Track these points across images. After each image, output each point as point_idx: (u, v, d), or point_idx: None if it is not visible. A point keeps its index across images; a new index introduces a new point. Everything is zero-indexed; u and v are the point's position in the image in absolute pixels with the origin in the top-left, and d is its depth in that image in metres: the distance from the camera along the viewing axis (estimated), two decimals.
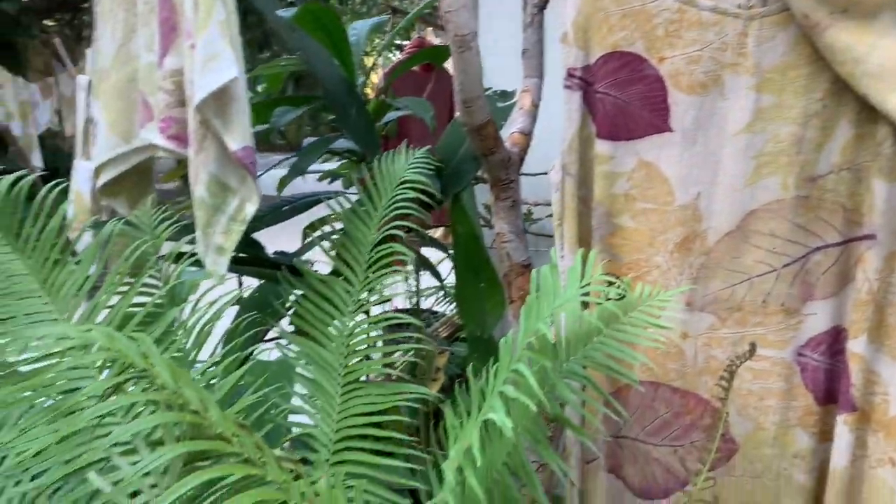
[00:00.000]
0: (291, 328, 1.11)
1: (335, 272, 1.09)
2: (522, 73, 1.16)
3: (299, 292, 1.10)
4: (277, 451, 0.90)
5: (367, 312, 1.10)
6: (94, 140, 1.44)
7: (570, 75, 0.91)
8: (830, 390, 0.88)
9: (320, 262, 1.22)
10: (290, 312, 1.13)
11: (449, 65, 2.81)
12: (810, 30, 0.76)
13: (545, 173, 1.51)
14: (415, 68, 2.52)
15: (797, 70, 0.80)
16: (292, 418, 1.04)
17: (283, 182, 1.47)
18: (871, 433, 0.85)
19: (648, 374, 0.94)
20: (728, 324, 0.89)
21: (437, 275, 1.68)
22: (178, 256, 1.06)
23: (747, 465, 0.91)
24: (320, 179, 2.11)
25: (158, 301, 0.98)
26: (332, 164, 2.03)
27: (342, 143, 1.52)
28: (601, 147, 0.90)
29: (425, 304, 2.07)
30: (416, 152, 1.16)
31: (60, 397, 0.88)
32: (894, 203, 0.79)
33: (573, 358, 0.78)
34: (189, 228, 1.12)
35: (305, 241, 1.66)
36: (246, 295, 1.41)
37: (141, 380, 0.70)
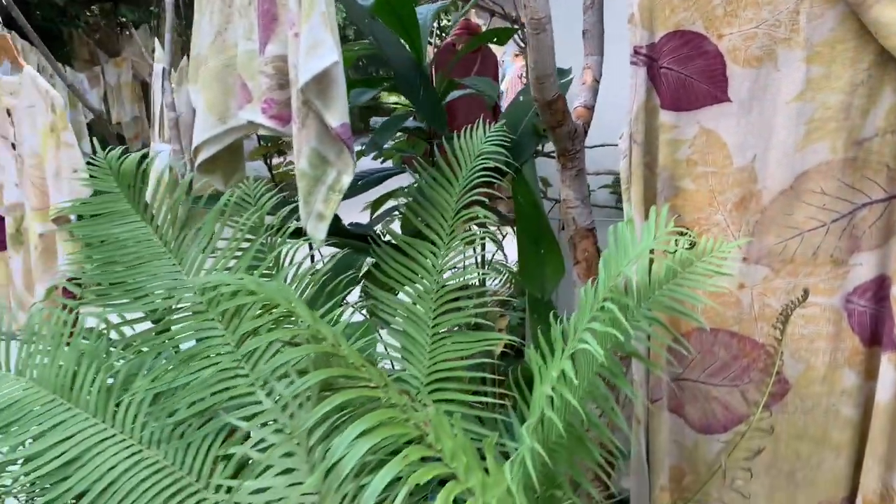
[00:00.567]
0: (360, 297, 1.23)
1: (418, 235, 1.20)
2: (584, 51, 1.26)
3: (371, 260, 1.20)
4: None
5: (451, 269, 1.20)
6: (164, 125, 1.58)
7: (636, 52, 1.00)
8: (875, 333, 0.97)
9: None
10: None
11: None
12: (857, 7, 0.85)
13: (602, 145, 1.61)
14: (459, 47, 2.62)
15: (844, 44, 0.89)
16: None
17: (358, 156, 1.58)
18: None
19: (709, 321, 1.04)
20: (781, 275, 0.99)
21: (498, 244, 1.79)
22: (279, 229, 1.19)
23: (799, 402, 1.01)
24: (374, 158, 2.23)
25: (268, 266, 1.11)
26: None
27: (410, 122, 1.63)
28: (665, 117, 1.00)
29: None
30: (492, 127, 1.26)
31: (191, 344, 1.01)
32: None
33: (644, 303, 0.88)
34: (285, 202, 1.24)
35: (375, 214, 1.78)
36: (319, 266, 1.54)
37: (282, 320, 0.83)
